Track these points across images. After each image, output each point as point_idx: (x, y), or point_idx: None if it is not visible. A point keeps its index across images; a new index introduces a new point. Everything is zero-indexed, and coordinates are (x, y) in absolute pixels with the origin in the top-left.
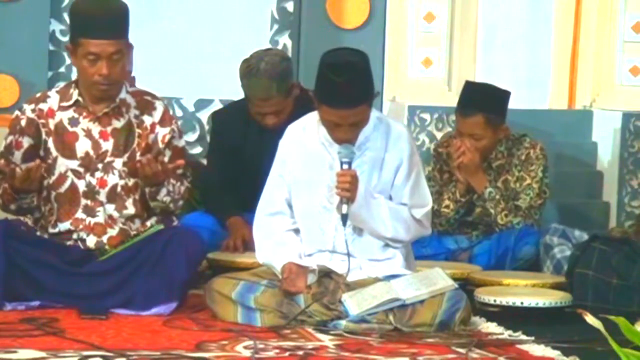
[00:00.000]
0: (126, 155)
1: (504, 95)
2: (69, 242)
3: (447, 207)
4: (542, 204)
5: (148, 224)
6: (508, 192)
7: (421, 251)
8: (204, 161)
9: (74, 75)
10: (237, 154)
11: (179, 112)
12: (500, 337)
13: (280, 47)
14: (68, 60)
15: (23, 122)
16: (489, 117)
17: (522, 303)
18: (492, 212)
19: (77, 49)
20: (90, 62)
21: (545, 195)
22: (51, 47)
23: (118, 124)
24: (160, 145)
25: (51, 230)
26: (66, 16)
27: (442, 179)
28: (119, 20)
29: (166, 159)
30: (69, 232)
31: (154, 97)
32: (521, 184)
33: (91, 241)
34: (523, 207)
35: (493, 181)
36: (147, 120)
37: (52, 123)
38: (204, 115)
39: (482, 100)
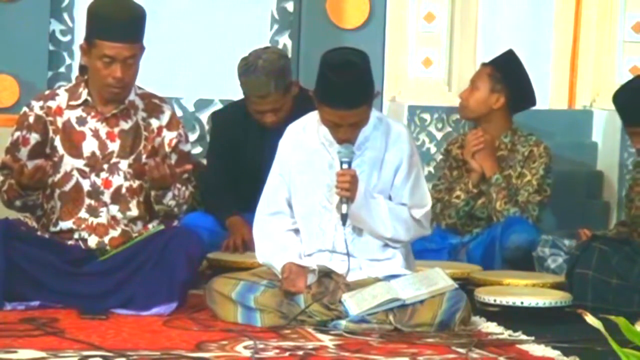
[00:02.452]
0: (132, 157)
1: (521, 74)
2: (70, 242)
3: (457, 197)
4: (541, 201)
5: (150, 226)
6: (510, 187)
7: (425, 245)
8: (204, 161)
9: (74, 76)
10: (237, 154)
11: (179, 112)
12: (500, 337)
13: (280, 47)
14: (68, 60)
15: (31, 119)
16: (494, 74)
17: (522, 303)
18: (493, 196)
19: (92, 49)
20: (104, 64)
21: (546, 194)
22: (51, 47)
23: (125, 125)
24: (167, 149)
25: (52, 229)
26: (66, 16)
27: (452, 176)
28: (137, 24)
29: (172, 163)
30: (71, 231)
31: (162, 100)
32: (522, 180)
33: (92, 241)
34: (520, 200)
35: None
36: (155, 123)
37: (59, 121)
38: (204, 115)
39: (502, 60)
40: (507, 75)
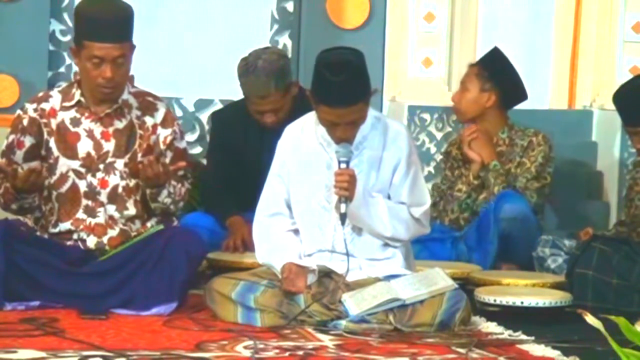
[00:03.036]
0: (127, 156)
1: (508, 70)
2: (69, 242)
3: (459, 190)
4: (539, 189)
5: (148, 224)
6: (508, 175)
7: (429, 234)
8: (204, 161)
9: (74, 76)
10: (237, 154)
11: (179, 112)
12: (500, 337)
13: (280, 47)
14: (68, 60)
15: (25, 122)
16: (482, 73)
17: (522, 303)
18: (491, 181)
19: (81, 51)
20: (94, 65)
21: (545, 181)
22: (51, 47)
23: (120, 124)
24: (162, 147)
25: (51, 230)
26: (66, 16)
27: (453, 175)
28: (125, 23)
29: (167, 160)
30: (70, 232)
31: (156, 98)
32: (521, 168)
33: (91, 241)
34: (518, 186)
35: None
36: (149, 121)
37: (54, 123)
38: (204, 115)
39: (487, 58)
40: (495, 72)
